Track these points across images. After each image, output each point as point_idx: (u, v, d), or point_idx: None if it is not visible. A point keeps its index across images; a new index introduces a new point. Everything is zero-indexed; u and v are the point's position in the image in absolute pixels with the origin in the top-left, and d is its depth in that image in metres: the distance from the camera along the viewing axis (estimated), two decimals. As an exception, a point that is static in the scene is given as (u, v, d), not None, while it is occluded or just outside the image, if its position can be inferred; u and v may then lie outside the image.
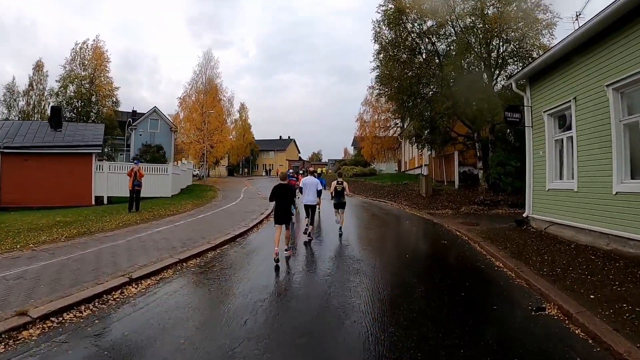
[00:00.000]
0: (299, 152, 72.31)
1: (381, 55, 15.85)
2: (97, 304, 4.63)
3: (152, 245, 7.31)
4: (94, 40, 29.18)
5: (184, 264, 6.24)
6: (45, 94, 31.48)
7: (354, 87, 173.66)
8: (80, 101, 27.88)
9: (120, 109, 34.67)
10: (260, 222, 10.72)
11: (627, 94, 5.94)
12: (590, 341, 3.52)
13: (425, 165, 19.46)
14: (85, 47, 28.58)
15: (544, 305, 4.48)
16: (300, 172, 17.94)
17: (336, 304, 4.40)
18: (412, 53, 15.72)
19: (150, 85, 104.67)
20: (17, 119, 28.89)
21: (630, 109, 5.90)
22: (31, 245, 7.39)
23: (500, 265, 6.12)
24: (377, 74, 16.19)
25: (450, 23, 15.32)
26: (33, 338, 3.57)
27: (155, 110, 31.38)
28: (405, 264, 6.35)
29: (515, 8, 14.82)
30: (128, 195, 12.79)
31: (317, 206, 9.55)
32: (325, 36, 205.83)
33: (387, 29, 15.43)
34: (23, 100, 33.55)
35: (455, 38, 15.29)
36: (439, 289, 4.95)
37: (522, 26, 14.48)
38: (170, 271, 5.85)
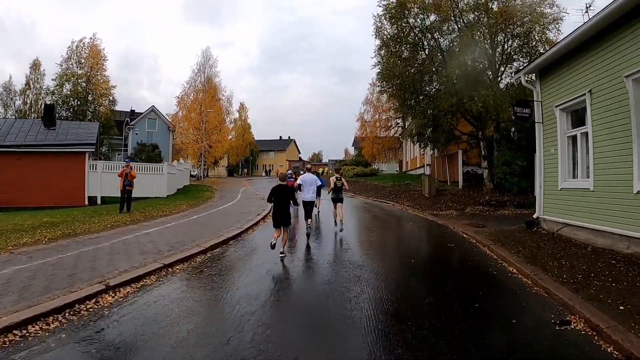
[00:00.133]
0: (299, 153, 71.84)
1: (382, 51, 15.34)
2: (67, 314, 4.16)
3: (137, 248, 6.81)
4: (90, 38, 28.80)
5: (169, 269, 5.74)
6: (42, 93, 31.08)
7: (354, 88, 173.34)
8: (76, 100, 27.40)
9: (119, 108, 34.30)
10: (256, 223, 10.22)
11: (650, 85, 5.45)
12: (628, 363, 3.02)
13: (427, 165, 18.93)
14: (82, 45, 28.17)
15: (568, 318, 3.97)
16: (301, 172, 17.56)
17: (335, 318, 3.90)
18: (414, 49, 15.22)
19: (151, 85, 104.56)
20: (13, 118, 28.45)
21: (654, 100, 5.42)
22: (10, 247, 6.93)
23: (514, 271, 5.62)
24: (379, 70, 15.67)
25: (453, 18, 14.84)
26: (-13, 355, 3.10)
27: (153, 110, 30.97)
28: (410, 271, 5.83)
29: (520, 2, 14.37)
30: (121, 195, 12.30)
31: (316, 206, 9.64)
32: (325, 36, 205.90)
33: (388, 23, 14.93)
34: (20, 99, 33.21)
35: (458, 33, 14.80)
36: (449, 299, 4.43)
37: (528, 21, 14.00)
38: (154, 277, 5.36)
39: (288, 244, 7.06)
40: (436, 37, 15.19)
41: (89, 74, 27.67)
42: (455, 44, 14.88)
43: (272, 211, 6.77)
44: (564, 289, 4.62)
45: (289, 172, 14.71)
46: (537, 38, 14.04)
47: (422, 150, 22.27)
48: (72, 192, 15.97)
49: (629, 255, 5.65)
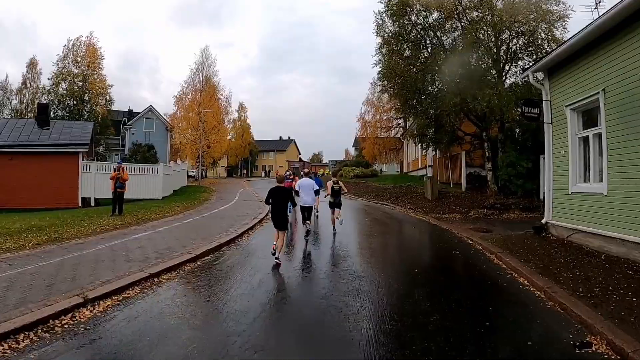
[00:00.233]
0: (300, 153, 71.39)
1: (384, 49, 14.96)
2: (39, 331, 3.81)
3: (123, 255, 6.43)
4: (87, 36, 28.35)
5: (155, 279, 5.36)
6: (39, 93, 30.71)
7: (355, 89, 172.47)
8: (72, 99, 27.00)
9: (118, 108, 33.92)
10: (252, 227, 9.83)
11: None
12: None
13: (429, 166, 18.55)
14: (78, 43, 27.74)
15: (588, 339, 3.59)
16: (301, 173, 17.26)
17: (331, 340, 3.51)
18: (416, 47, 14.83)
19: (152, 85, 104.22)
20: (8, 117, 28.08)
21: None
22: (-9, 254, 6.56)
23: (526, 282, 5.22)
24: (380, 69, 15.28)
25: (457, 16, 14.46)
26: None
27: (150, 109, 30.61)
28: (414, 282, 5.42)
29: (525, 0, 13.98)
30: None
31: (315, 208, 9.53)
32: (326, 36, 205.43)
33: (390, 20, 14.55)
34: (16, 98, 32.85)
35: (462, 31, 14.42)
36: (457, 316, 4.03)
37: (533, 19, 13.61)
38: (137, 289, 4.98)
39: (285, 249, 6.80)
40: (439, 35, 14.82)
41: (85, 72, 27.27)
42: (458, 42, 14.51)
43: (270, 213, 6.79)
44: (581, 305, 4.24)
45: (288, 172, 14.36)
46: (543, 36, 13.66)
47: (424, 151, 21.89)
48: (65, 193, 15.58)
49: (647, 265, 5.28)
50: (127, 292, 4.86)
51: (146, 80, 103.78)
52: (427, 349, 3.24)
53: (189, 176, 32.57)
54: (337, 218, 8.77)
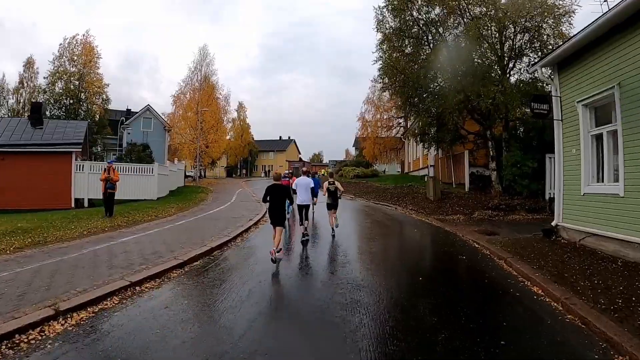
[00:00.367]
0: (300, 153, 70.94)
1: (384, 46, 14.50)
2: (3, 348, 3.46)
3: (106, 261, 6.02)
4: (83, 35, 27.89)
5: (137, 287, 4.95)
6: (36, 92, 30.32)
7: (355, 88, 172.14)
8: (68, 98, 26.58)
9: (117, 108, 33.50)
10: (247, 229, 9.42)
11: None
12: None
13: (431, 166, 18.03)
14: (75, 42, 27.30)
15: (617, 361, 3.18)
16: (300, 171, 16.95)
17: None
18: (418, 43, 14.38)
19: (152, 85, 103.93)
20: (5, 117, 27.69)
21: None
22: (-32, 259, 6.16)
23: (540, 292, 4.78)
24: (380, 65, 14.81)
25: (459, 11, 14.02)
26: None
27: (148, 109, 30.15)
28: (418, 293, 4.95)
29: (531, -6, 13.53)
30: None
31: (312, 206, 9.45)
32: (326, 36, 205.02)
33: (390, 16, 14.09)
34: (13, 98, 32.48)
35: (465, 27, 13.98)
36: (468, 333, 3.58)
37: (538, 14, 13.17)
38: (116, 299, 4.57)
39: (283, 252, 6.42)
40: (441, 31, 14.36)
41: (81, 71, 26.83)
42: (461, 38, 14.06)
43: (267, 211, 6.73)
44: (604, 319, 3.81)
45: (287, 172, 14.00)
46: (549, 32, 13.20)
47: (425, 150, 21.42)
48: (58, 193, 15.19)
49: (669, 272, 4.86)
50: (105, 302, 4.45)
51: (146, 80, 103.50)
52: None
53: (186, 176, 32.16)
54: (334, 223, 8.61)
